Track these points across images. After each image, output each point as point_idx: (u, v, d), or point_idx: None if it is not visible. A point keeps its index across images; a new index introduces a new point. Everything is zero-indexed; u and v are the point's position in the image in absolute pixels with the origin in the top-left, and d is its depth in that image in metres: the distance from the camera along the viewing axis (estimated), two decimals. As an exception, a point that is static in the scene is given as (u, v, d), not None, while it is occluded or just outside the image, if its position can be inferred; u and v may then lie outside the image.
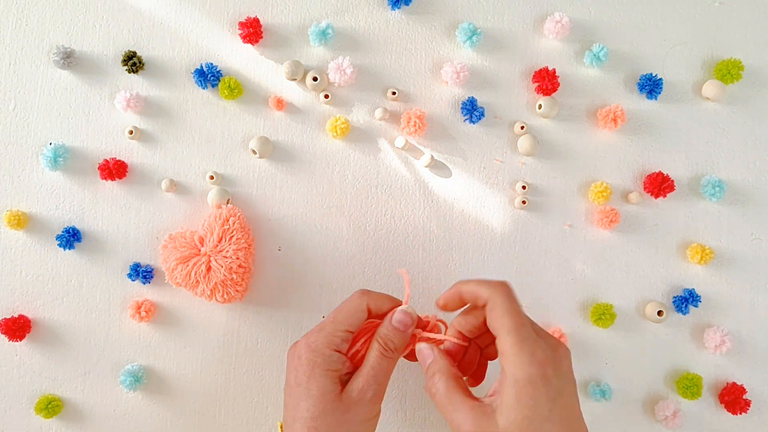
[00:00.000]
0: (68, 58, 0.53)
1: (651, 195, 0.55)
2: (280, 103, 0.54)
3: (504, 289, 0.40)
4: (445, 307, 0.44)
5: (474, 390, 0.42)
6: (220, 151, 0.54)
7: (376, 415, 0.43)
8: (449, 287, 0.43)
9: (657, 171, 0.55)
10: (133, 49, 0.54)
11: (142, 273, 0.52)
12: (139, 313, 0.52)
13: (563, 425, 0.37)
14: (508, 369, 0.38)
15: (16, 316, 0.52)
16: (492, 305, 0.40)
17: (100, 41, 0.54)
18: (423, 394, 0.54)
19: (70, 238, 0.52)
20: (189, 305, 0.53)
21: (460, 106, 0.55)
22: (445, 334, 0.45)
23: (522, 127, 0.55)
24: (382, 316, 0.44)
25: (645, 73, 0.55)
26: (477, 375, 0.46)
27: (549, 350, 0.38)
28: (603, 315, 0.53)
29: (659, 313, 0.53)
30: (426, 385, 0.42)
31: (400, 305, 0.44)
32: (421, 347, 0.43)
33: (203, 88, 0.54)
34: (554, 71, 0.54)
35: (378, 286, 0.54)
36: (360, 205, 0.54)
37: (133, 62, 0.53)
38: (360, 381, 0.42)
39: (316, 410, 0.41)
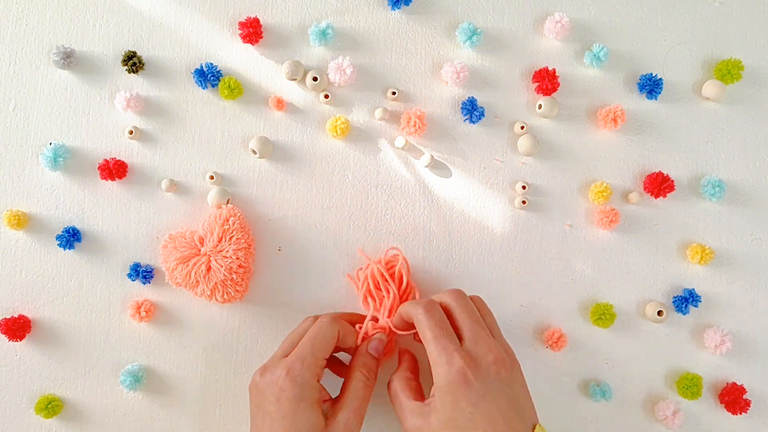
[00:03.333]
0: (68, 58, 0.53)
1: (651, 195, 0.55)
2: (280, 103, 0.54)
3: (427, 305, 0.44)
4: (402, 329, 0.47)
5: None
6: (220, 151, 0.54)
7: None
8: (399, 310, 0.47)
9: (657, 171, 0.55)
10: (133, 49, 0.54)
11: (142, 273, 0.52)
12: (139, 313, 0.52)
13: (487, 427, 0.39)
14: (434, 376, 0.41)
15: (16, 316, 0.52)
16: (416, 321, 0.44)
17: (100, 41, 0.54)
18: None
19: (70, 238, 0.52)
20: (189, 305, 0.53)
21: (460, 106, 0.55)
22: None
23: (522, 127, 0.55)
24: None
25: (645, 73, 0.55)
26: None
27: (468, 358, 0.41)
28: (603, 315, 0.53)
29: (659, 313, 0.53)
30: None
31: (364, 320, 0.49)
32: (374, 344, 0.48)
33: (203, 88, 0.54)
34: (554, 71, 0.54)
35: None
36: (360, 205, 0.54)
37: (133, 62, 0.53)
38: (346, 413, 0.44)
39: None
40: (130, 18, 0.55)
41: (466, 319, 0.43)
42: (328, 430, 0.43)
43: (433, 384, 0.42)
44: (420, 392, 0.45)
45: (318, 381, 0.44)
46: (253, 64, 0.55)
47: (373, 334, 0.49)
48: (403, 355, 0.49)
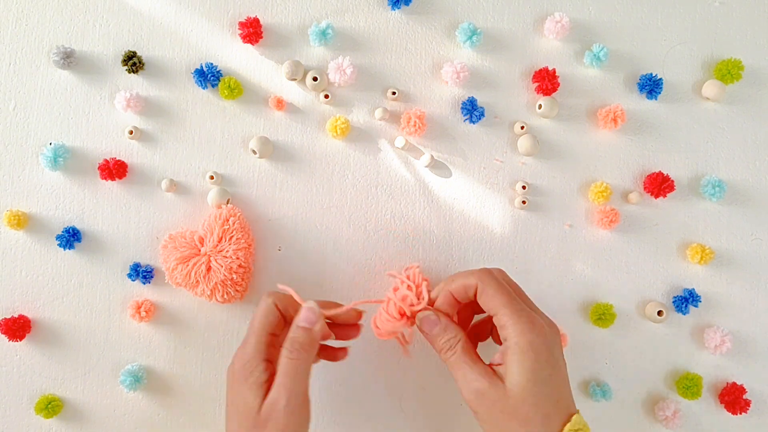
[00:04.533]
0: (68, 58, 0.53)
1: (651, 195, 0.55)
2: (280, 103, 0.54)
3: (488, 272, 0.43)
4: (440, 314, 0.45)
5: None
6: (220, 151, 0.54)
7: (300, 425, 0.42)
8: (437, 292, 0.45)
9: (657, 171, 0.55)
10: (133, 49, 0.54)
11: (142, 273, 0.52)
12: (139, 313, 0.52)
13: (561, 389, 0.41)
14: (511, 338, 0.40)
15: (16, 316, 0.52)
16: (482, 288, 0.42)
17: (100, 41, 0.54)
18: (421, 393, 0.54)
19: (70, 238, 0.52)
20: (189, 305, 0.53)
21: (460, 106, 0.55)
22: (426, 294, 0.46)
23: (522, 127, 0.55)
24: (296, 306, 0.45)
25: (645, 73, 0.55)
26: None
27: (545, 321, 0.42)
28: (603, 315, 0.53)
29: (659, 313, 0.53)
30: (440, 347, 0.43)
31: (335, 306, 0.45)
32: (426, 314, 0.44)
33: (203, 88, 0.54)
34: (554, 71, 0.54)
35: (378, 286, 0.54)
36: (360, 205, 0.54)
37: (133, 62, 0.53)
38: (273, 391, 0.41)
39: (240, 428, 0.41)
40: (130, 18, 0.55)
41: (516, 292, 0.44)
42: (260, 410, 0.41)
43: (500, 350, 0.41)
44: (479, 356, 0.43)
45: (263, 359, 0.42)
46: (253, 64, 0.55)
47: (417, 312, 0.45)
48: (452, 317, 0.46)
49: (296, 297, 0.45)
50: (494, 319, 0.42)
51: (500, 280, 0.43)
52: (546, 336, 0.40)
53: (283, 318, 0.45)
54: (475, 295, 0.43)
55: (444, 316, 0.44)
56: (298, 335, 0.43)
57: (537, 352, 0.40)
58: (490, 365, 0.42)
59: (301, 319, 0.44)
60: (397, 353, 0.54)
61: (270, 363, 0.43)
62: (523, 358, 0.40)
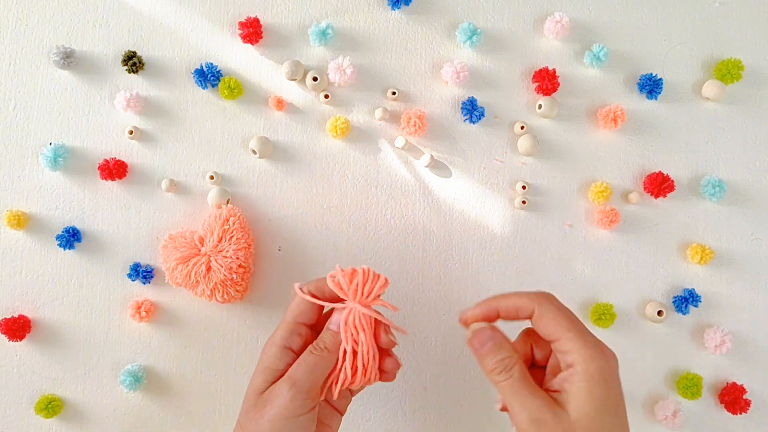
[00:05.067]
0: (68, 58, 0.53)
1: (651, 195, 0.55)
2: (280, 103, 0.54)
3: (547, 295, 0.40)
4: (468, 323, 0.42)
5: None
6: (220, 151, 0.54)
7: (301, 414, 0.40)
8: (479, 303, 0.42)
9: (657, 171, 0.55)
10: (133, 49, 0.54)
11: (142, 273, 0.52)
12: (139, 313, 0.52)
13: (623, 424, 0.37)
14: (578, 364, 0.37)
15: (16, 316, 0.52)
16: (540, 313, 0.39)
17: (100, 41, 0.54)
18: (423, 394, 0.54)
19: (70, 238, 0.52)
20: (189, 305, 0.53)
21: (460, 106, 0.55)
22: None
23: (522, 127, 0.55)
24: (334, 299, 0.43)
25: (645, 73, 0.55)
26: None
27: (609, 349, 0.39)
28: (603, 315, 0.53)
29: (659, 313, 0.53)
30: (492, 368, 0.39)
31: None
32: (481, 328, 0.41)
33: (203, 88, 0.54)
34: (554, 71, 0.54)
35: (378, 286, 0.54)
36: (360, 205, 0.54)
37: (133, 62, 0.53)
38: (282, 382, 0.40)
39: (243, 408, 0.41)
40: (130, 18, 0.55)
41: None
42: (263, 393, 0.41)
43: (560, 378, 0.38)
44: (533, 381, 0.40)
45: (284, 346, 0.42)
46: (253, 64, 0.55)
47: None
48: (516, 341, 0.43)
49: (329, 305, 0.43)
50: (555, 345, 0.39)
51: (560, 304, 0.40)
52: (615, 364, 0.38)
53: (319, 306, 0.44)
54: (526, 318, 0.40)
55: (499, 332, 0.41)
56: (326, 336, 0.42)
57: (606, 380, 0.37)
58: (547, 391, 0.39)
59: (332, 322, 0.43)
60: (398, 353, 0.53)
61: (290, 351, 0.42)
62: (592, 386, 0.36)
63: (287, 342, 0.42)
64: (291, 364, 0.41)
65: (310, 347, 0.42)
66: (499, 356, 0.39)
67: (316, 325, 0.45)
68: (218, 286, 0.49)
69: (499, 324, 0.41)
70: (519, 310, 0.40)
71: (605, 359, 0.37)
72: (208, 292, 0.50)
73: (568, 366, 0.38)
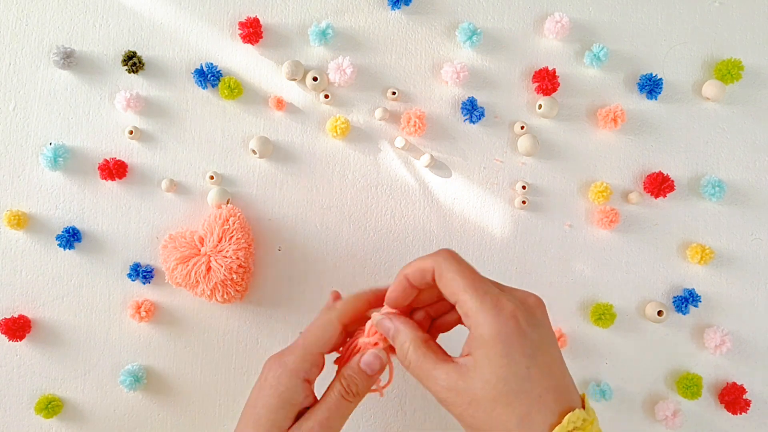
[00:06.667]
0: (68, 58, 0.53)
1: (651, 195, 0.55)
2: (280, 103, 0.54)
3: (447, 253, 0.37)
4: (398, 304, 0.39)
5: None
6: (220, 151, 0.54)
7: None
8: (392, 282, 0.39)
9: (657, 171, 0.55)
10: (133, 49, 0.54)
11: (142, 273, 0.52)
12: (139, 313, 0.52)
13: (545, 383, 0.33)
14: (474, 328, 0.34)
15: (16, 316, 0.52)
16: (439, 272, 0.36)
17: (100, 41, 0.54)
18: (423, 394, 0.54)
19: (70, 238, 0.52)
20: (189, 305, 0.53)
21: (460, 106, 0.55)
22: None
23: (522, 127, 0.55)
24: (362, 320, 0.41)
25: (645, 73, 0.55)
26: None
27: (516, 301, 0.35)
28: (603, 315, 0.53)
29: (659, 313, 0.53)
30: (398, 357, 0.38)
31: (375, 310, 0.41)
32: (378, 320, 0.39)
33: (203, 88, 0.54)
34: (554, 71, 0.54)
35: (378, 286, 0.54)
36: (360, 205, 0.54)
37: (133, 62, 0.53)
38: (311, 422, 0.38)
39: None
40: (130, 18, 0.55)
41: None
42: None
43: (466, 341, 0.36)
44: (443, 352, 0.37)
45: (303, 379, 0.39)
46: (253, 64, 0.55)
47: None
48: (408, 314, 0.40)
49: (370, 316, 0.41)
50: (457, 307, 0.36)
51: (460, 260, 0.37)
52: (517, 321, 0.34)
53: (345, 333, 0.41)
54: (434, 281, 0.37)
55: (395, 317, 0.38)
56: (358, 378, 0.40)
57: (506, 343, 0.33)
58: (453, 360, 0.36)
59: (364, 362, 0.40)
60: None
61: (308, 384, 0.40)
62: (489, 352, 0.33)
63: (308, 374, 0.40)
64: (308, 397, 0.40)
65: (341, 388, 0.39)
66: (402, 340, 0.38)
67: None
68: (218, 286, 0.49)
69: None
70: (423, 273, 0.37)
71: (502, 319, 0.33)
72: (208, 292, 0.50)
73: (469, 329, 0.35)
